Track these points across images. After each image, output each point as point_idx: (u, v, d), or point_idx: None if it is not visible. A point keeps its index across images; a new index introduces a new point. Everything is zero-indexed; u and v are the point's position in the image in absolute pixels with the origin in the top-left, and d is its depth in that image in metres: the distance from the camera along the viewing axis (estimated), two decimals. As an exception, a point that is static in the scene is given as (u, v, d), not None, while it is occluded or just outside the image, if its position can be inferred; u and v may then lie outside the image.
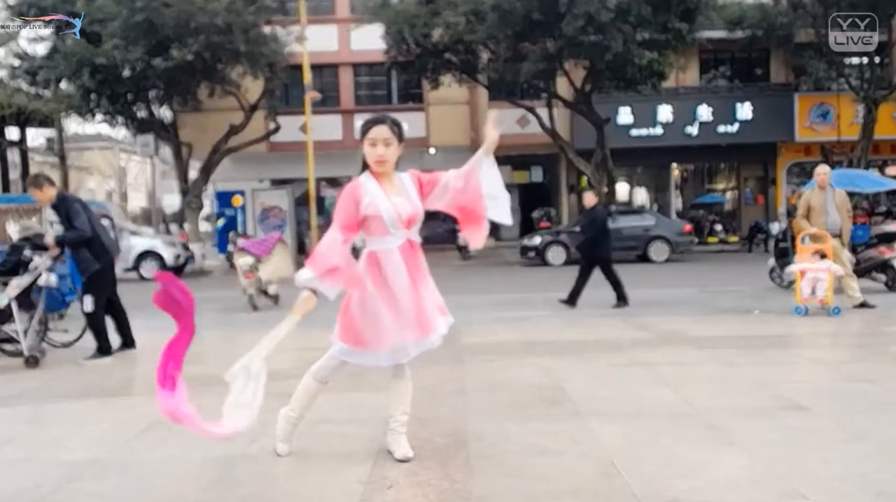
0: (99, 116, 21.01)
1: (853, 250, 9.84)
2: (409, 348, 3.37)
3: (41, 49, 20.92)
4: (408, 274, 3.34)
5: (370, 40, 21.49)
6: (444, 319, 3.47)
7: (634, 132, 23.63)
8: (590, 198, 10.01)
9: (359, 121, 25.10)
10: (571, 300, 9.55)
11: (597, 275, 9.61)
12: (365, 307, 3.34)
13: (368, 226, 3.35)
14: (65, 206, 6.56)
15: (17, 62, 20.58)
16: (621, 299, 9.50)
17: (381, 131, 3.32)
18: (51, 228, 9.97)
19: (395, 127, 3.37)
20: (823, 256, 8.13)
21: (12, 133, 27.34)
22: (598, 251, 9.56)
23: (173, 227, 24.96)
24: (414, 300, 3.34)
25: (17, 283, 6.55)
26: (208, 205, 26.97)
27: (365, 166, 3.42)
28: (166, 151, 27.30)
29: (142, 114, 21.62)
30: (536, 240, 19.47)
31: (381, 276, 3.33)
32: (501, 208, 3.53)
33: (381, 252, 3.34)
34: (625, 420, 4.09)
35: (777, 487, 3.03)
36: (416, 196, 3.42)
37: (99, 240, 6.51)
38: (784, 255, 10.58)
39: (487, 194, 3.47)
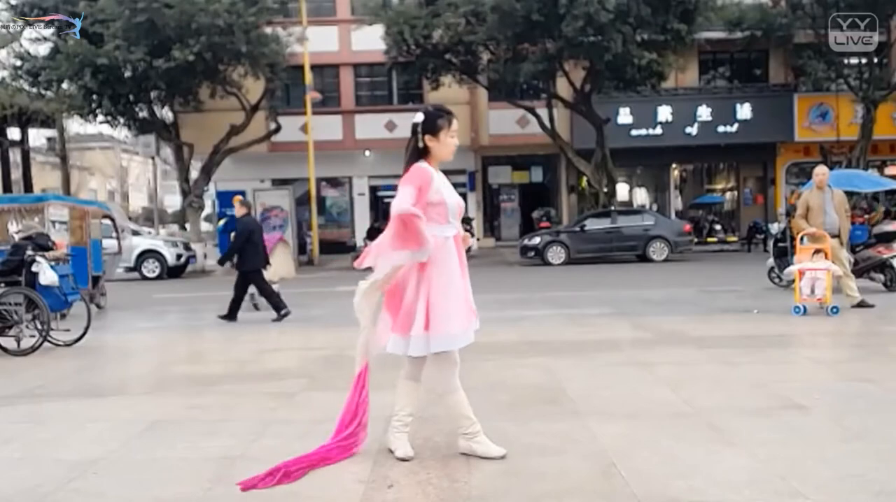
0: (100, 117, 21.02)
1: (852, 250, 9.85)
2: (462, 334, 3.41)
3: (43, 49, 20.94)
4: (459, 264, 3.43)
5: (371, 41, 21.52)
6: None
7: (634, 132, 23.63)
8: (238, 209, 9.74)
9: (359, 121, 25.27)
10: (231, 314, 9.31)
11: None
12: (444, 292, 3.34)
13: (428, 213, 3.34)
14: None
15: (18, 62, 20.59)
16: (230, 315, 9.26)
17: (456, 124, 3.48)
18: (53, 228, 9.97)
19: None
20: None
21: (14, 133, 27.39)
22: (243, 263, 9.34)
23: (172, 228, 24.97)
24: (463, 289, 3.43)
25: None
26: (209, 205, 26.99)
27: (419, 156, 3.40)
28: (167, 151, 27.33)
29: (143, 114, 21.63)
30: (536, 240, 19.48)
31: (442, 262, 3.36)
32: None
33: (440, 239, 3.37)
34: (625, 420, 4.09)
35: (777, 487, 3.03)
36: None
37: None
38: (783, 255, 10.59)
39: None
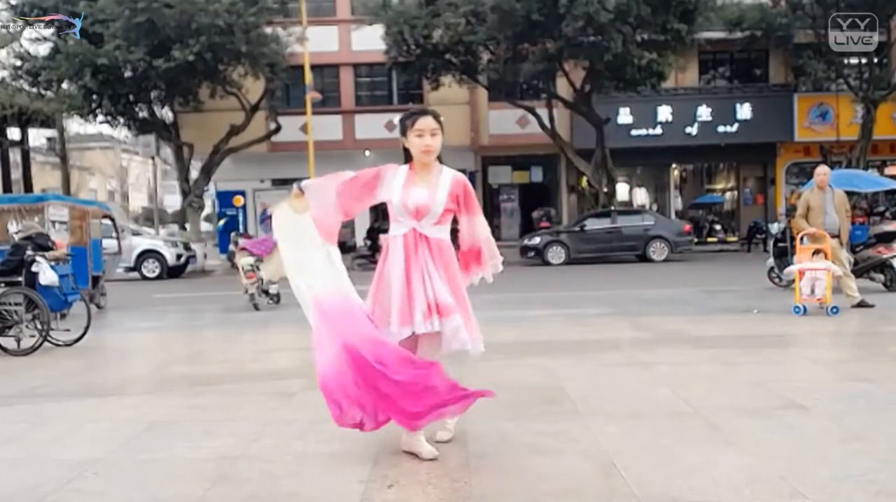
0: (100, 117, 21.05)
1: (852, 250, 9.85)
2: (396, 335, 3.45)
3: (43, 49, 20.97)
4: (405, 264, 3.42)
5: (371, 41, 21.53)
6: (440, 320, 3.44)
7: (634, 132, 23.63)
8: None
9: (359, 121, 25.26)
10: None
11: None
12: (378, 287, 3.55)
13: (389, 211, 3.53)
14: None
15: (18, 62, 20.61)
16: None
17: (427, 122, 3.46)
18: (53, 228, 9.97)
19: (439, 118, 3.51)
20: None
21: (14, 133, 27.40)
22: None
23: (172, 228, 24.92)
24: (402, 290, 3.41)
25: None
26: (209, 205, 27.00)
27: (408, 158, 3.55)
28: (167, 151, 27.33)
29: (143, 114, 21.66)
30: (536, 240, 19.49)
31: (385, 259, 3.54)
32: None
33: (390, 237, 3.53)
34: (625, 420, 4.09)
35: (777, 487, 3.03)
36: (444, 193, 3.46)
37: None
38: (783, 255, 10.59)
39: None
